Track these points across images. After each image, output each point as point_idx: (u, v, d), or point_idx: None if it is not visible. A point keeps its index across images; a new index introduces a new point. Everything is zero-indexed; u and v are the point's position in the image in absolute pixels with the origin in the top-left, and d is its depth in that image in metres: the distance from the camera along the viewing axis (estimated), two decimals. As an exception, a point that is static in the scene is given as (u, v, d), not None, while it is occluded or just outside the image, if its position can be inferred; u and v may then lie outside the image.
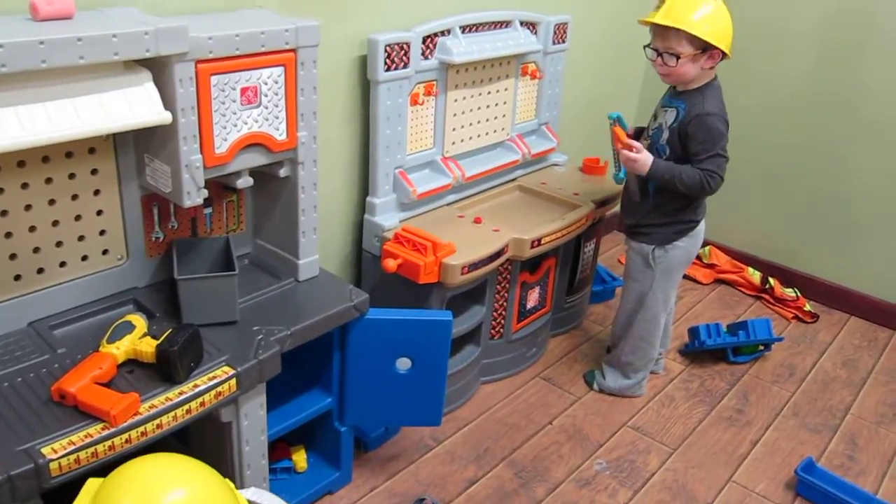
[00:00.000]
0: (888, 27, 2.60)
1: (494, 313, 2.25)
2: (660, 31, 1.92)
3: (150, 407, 1.28)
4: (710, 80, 1.98)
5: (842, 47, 2.72)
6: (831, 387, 2.50)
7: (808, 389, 2.48)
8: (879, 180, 2.74)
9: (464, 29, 2.12)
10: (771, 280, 2.98)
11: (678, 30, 1.88)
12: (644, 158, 1.99)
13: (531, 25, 2.36)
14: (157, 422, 1.28)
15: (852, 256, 2.90)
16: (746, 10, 2.82)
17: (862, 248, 2.87)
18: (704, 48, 1.90)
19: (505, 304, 2.27)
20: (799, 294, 2.94)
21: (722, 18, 1.91)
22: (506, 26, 2.28)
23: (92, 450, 1.20)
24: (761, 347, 2.60)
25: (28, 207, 1.41)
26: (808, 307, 2.90)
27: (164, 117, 1.32)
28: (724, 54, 1.92)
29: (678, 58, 1.91)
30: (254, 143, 1.50)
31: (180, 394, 1.32)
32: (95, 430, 1.22)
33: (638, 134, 2.14)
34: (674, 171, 1.97)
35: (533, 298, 2.37)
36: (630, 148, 2.00)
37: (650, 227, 2.12)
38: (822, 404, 2.41)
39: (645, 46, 1.99)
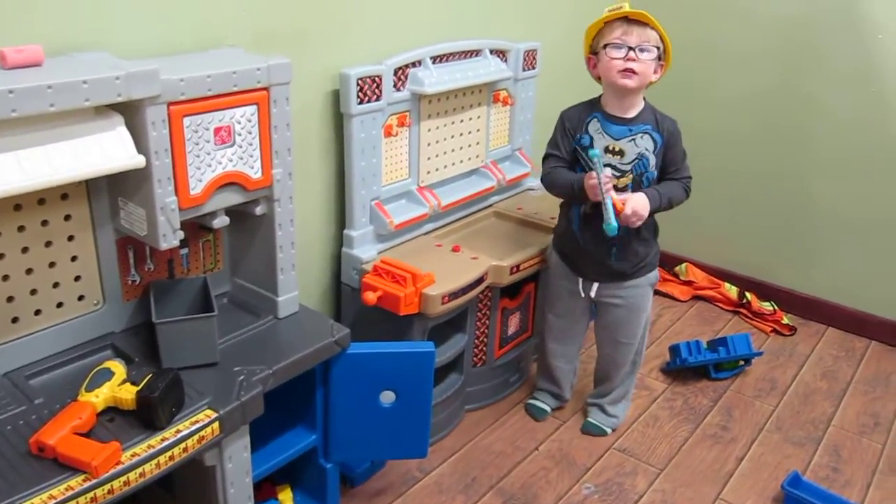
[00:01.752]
0: (836, 49, 2.65)
1: (476, 340, 2.25)
2: (635, 26, 1.87)
3: (132, 455, 1.26)
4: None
5: (796, 68, 2.77)
6: (812, 399, 2.52)
7: (789, 403, 2.49)
8: (847, 194, 2.79)
9: (434, 59, 2.14)
10: (748, 294, 3.01)
11: (653, 27, 1.87)
12: (642, 205, 1.87)
13: (501, 53, 2.38)
14: (139, 470, 1.26)
15: (826, 268, 2.94)
16: (706, 33, 2.88)
17: (835, 260, 2.91)
18: (659, 56, 1.91)
19: (486, 330, 2.26)
20: (776, 307, 2.97)
21: None
22: (476, 55, 2.30)
23: (74, 503, 1.18)
24: (742, 363, 2.62)
25: (1, 256, 1.39)
26: (785, 320, 2.93)
27: (138, 161, 1.31)
28: (663, 73, 1.94)
29: (657, 50, 1.88)
30: (229, 183, 1.49)
31: (162, 440, 1.30)
32: (76, 483, 1.19)
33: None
34: (664, 198, 1.93)
35: (514, 324, 2.37)
36: (621, 209, 1.84)
37: (651, 254, 2.08)
38: (804, 417, 2.42)
39: (605, 45, 1.90)
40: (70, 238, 1.47)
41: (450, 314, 2.05)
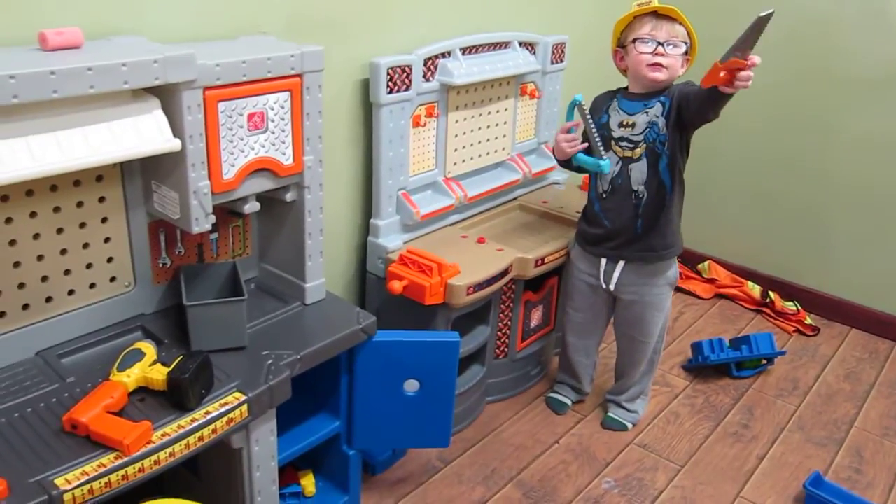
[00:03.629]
0: (864, 43, 2.63)
1: (499, 332, 2.25)
2: (665, 20, 1.88)
3: (163, 435, 1.28)
4: None
5: (823, 59, 2.75)
6: (835, 400, 2.50)
7: (812, 403, 2.48)
8: (873, 194, 2.76)
9: (464, 51, 2.14)
10: (771, 294, 2.99)
11: (681, 23, 1.88)
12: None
13: (529, 46, 2.38)
14: (169, 450, 1.27)
15: (850, 269, 2.91)
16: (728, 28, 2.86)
17: (859, 261, 2.88)
18: (687, 52, 1.92)
19: (509, 323, 2.27)
20: (799, 307, 2.95)
21: None
22: (505, 47, 2.30)
23: (105, 480, 1.19)
24: (764, 362, 2.61)
25: (36, 236, 1.41)
26: (808, 320, 2.91)
27: (174, 145, 1.33)
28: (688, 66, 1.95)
29: (686, 46, 1.89)
30: (261, 169, 1.51)
31: (192, 421, 1.32)
32: (108, 460, 1.21)
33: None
34: None
35: (536, 317, 2.37)
36: (744, 65, 1.61)
37: (672, 237, 2.03)
38: (826, 417, 2.41)
39: (634, 40, 1.90)
40: (104, 220, 1.49)
41: (474, 305, 2.05)
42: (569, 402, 2.36)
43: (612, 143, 1.98)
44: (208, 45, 1.49)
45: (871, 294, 2.89)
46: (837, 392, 2.55)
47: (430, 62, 2.06)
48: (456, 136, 2.23)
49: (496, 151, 2.40)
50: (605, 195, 2.03)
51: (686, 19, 1.89)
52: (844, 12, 2.67)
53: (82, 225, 1.46)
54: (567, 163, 2.07)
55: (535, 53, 2.39)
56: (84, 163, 1.23)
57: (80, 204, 1.45)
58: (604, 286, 2.12)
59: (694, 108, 1.85)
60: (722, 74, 1.64)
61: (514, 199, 2.51)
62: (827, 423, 2.38)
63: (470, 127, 2.27)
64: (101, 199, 1.47)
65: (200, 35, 1.61)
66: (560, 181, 2.65)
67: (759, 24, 1.52)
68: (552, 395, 2.37)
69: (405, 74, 1.97)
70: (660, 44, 1.88)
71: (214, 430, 1.34)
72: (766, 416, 2.40)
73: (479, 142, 2.32)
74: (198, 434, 1.32)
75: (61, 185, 1.41)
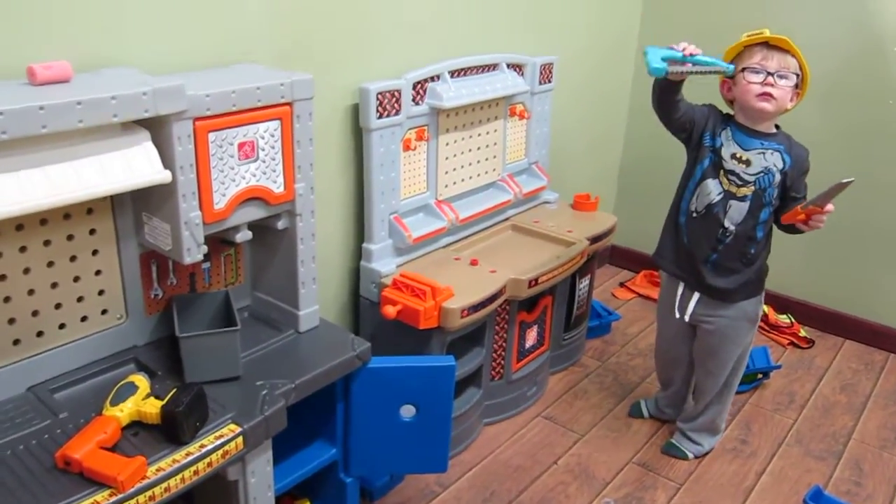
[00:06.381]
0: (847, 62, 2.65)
1: (494, 354, 2.25)
2: (775, 52, 1.84)
3: (158, 470, 1.26)
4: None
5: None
6: (832, 412, 2.50)
7: (809, 416, 2.48)
8: (864, 206, 2.78)
9: (452, 74, 2.15)
10: (765, 307, 2.99)
11: (793, 55, 1.85)
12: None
13: (517, 67, 2.39)
14: (164, 485, 1.26)
15: (843, 281, 2.92)
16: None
17: (852, 273, 2.89)
18: (797, 84, 1.88)
19: (504, 344, 2.26)
20: (793, 320, 2.96)
21: None
22: (493, 69, 2.31)
23: (100, 517, 1.18)
24: (760, 376, 2.61)
25: (27, 271, 1.39)
26: (802, 333, 2.92)
27: (164, 176, 1.32)
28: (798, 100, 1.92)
29: (797, 78, 1.85)
30: (252, 198, 1.50)
31: (187, 455, 1.30)
32: (103, 497, 1.19)
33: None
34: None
35: (531, 337, 2.37)
36: (821, 211, 1.80)
37: (756, 277, 2.02)
38: (824, 430, 2.41)
39: (744, 69, 1.87)
40: (95, 252, 1.48)
41: (468, 328, 2.04)
42: (645, 414, 2.42)
43: (721, 172, 1.94)
44: (198, 75, 1.49)
45: (864, 305, 2.90)
46: (834, 404, 2.54)
47: (419, 86, 2.07)
48: (446, 158, 2.23)
49: (487, 172, 2.40)
50: (694, 214, 1.99)
51: (798, 51, 1.85)
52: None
53: (73, 258, 1.45)
54: (670, 87, 1.87)
55: (523, 74, 2.41)
56: (74, 197, 1.23)
57: (70, 237, 1.44)
58: (677, 315, 2.11)
59: (778, 212, 1.95)
60: (801, 217, 1.85)
61: (506, 219, 2.52)
62: (825, 436, 2.38)
63: (460, 149, 2.27)
64: (92, 232, 1.47)
65: (190, 64, 1.61)
66: (551, 200, 2.66)
67: (840, 187, 1.72)
68: (639, 400, 2.45)
69: (394, 99, 1.98)
70: (770, 74, 1.84)
71: (210, 464, 1.33)
72: (764, 430, 2.39)
73: (470, 163, 2.33)
74: (193, 468, 1.30)
75: (51, 219, 1.40)
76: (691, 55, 1.79)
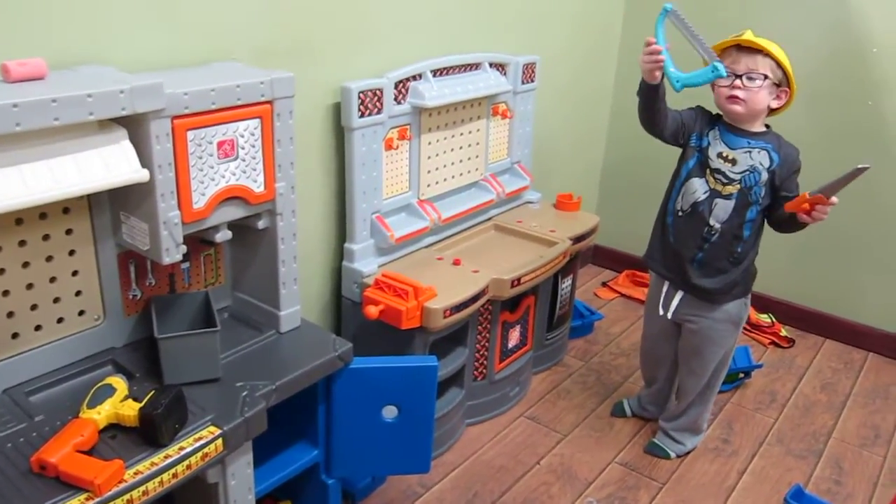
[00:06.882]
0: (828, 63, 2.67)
1: (477, 354, 2.24)
2: (744, 54, 1.86)
3: (136, 473, 1.24)
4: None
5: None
6: (812, 411, 2.52)
7: (790, 415, 2.49)
8: (842, 207, 2.79)
9: (435, 73, 2.14)
10: (746, 307, 3.01)
11: (765, 54, 1.85)
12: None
13: (500, 66, 2.38)
14: (142, 488, 1.24)
15: (823, 280, 2.95)
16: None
17: (832, 273, 2.91)
18: (779, 83, 1.88)
19: (487, 344, 2.25)
20: (774, 320, 2.97)
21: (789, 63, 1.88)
22: (475, 68, 2.30)
23: (76, 522, 1.16)
24: (742, 375, 2.62)
25: (1, 271, 1.37)
26: (783, 332, 2.93)
27: (142, 175, 1.30)
28: (788, 99, 1.90)
29: (764, 79, 1.85)
30: (232, 197, 1.48)
31: (166, 457, 1.28)
32: (79, 501, 1.17)
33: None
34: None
35: (514, 337, 2.36)
36: (826, 202, 1.77)
37: (742, 278, 2.02)
38: (805, 429, 2.42)
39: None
40: (71, 253, 1.46)
41: (451, 328, 2.04)
42: (628, 412, 2.42)
43: (708, 171, 1.95)
44: (177, 73, 1.47)
45: (844, 305, 2.92)
46: (815, 403, 2.56)
47: (402, 85, 2.06)
48: (429, 157, 2.22)
49: (469, 172, 2.40)
50: (680, 213, 2.01)
51: (772, 50, 1.85)
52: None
53: (49, 258, 1.43)
54: (653, 93, 1.89)
55: (505, 74, 2.40)
56: (50, 196, 1.21)
57: (46, 237, 1.41)
58: (661, 312, 2.12)
59: (773, 211, 1.94)
60: (805, 206, 1.79)
61: (489, 219, 2.51)
62: (806, 435, 2.39)
63: (443, 148, 2.26)
64: (69, 232, 1.44)
65: (169, 62, 1.59)
66: (534, 200, 2.66)
67: (855, 174, 1.66)
68: (622, 399, 2.46)
69: (376, 98, 1.97)
70: (738, 76, 1.86)
71: (189, 466, 1.31)
72: (746, 430, 2.40)
73: (453, 163, 2.32)
74: (172, 471, 1.28)
75: (27, 219, 1.37)
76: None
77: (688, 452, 2.27)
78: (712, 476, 2.19)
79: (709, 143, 1.95)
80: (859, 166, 1.65)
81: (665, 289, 2.10)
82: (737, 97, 1.87)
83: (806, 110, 2.74)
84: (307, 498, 1.85)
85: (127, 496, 1.22)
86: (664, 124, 1.96)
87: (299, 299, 1.72)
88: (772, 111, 1.93)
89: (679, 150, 2.03)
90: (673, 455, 2.24)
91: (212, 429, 1.36)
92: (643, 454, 2.26)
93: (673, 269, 2.06)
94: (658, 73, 1.84)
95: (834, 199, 1.77)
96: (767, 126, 1.96)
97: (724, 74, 1.81)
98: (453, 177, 2.34)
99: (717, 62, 1.81)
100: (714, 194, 1.94)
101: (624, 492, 2.11)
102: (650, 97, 1.90)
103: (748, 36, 1.86)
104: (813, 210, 1.80)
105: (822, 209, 1.79)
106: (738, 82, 1.86)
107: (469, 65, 2.28)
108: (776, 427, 2.42)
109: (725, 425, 2.42)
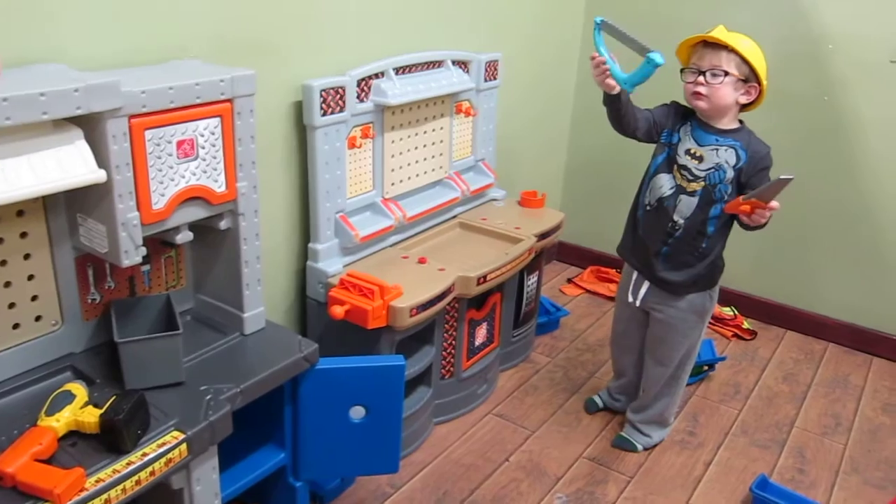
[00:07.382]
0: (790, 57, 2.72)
1: (444, 352, 2.23)
2: (708, 50, 1.87)
3: (97, 481, 1.21)
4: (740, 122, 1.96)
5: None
6: (775, 402, 2.56)
7: (753, 406, 2.53)
8: (802, 200, 2.84)
9: (398, 71, 2.13)
10: (709, 300, 3.05)
11: (730, 50, 1.84)
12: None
13: (463, 64, 2.38)
14: (104, 497, 1.21)
15: (783, 273, 2.99)
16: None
17: (792, 265, 2.96)
18: (746, 79, 1.88)
19: (454, 342, 2.25)
20: (736, 312, 3.02)
21: (762, 57, 1.88)
22: (438, 66, 2.30)
23: (36, 533, 1.13)
24: (706, 368, 2.65)
25: (-47, 277, 1.33)
26: (746, 325, 2.98)
27: (99, 176, 1.27)
28: (758, 95, 1.90)
29: (725, 76, 1.85)
30: (192, 197, 1.46)
31: (128, 464, 1.26)
32: (38, 512, 1.14)
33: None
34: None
35: (481, 335, 2.36)
36: (765, 206, 1.79)
37: (707, 271, 2.03)
38: (768, 420, 2.46)
39: (682, 70, 1.94)
40: (26, 256, 1.42)
41: (418, 327, 2.03)
42: (599, 404, 2.44)
43: (675, 167, 1.96)
44: (134, 72, 1.44)
45: (804, 297, 2.98)
46: (777, 394, 2.60)
47: (364, 83, 2.05)
48: (393, 156, 2.21)
49: (434, 170, 2.39)
50: (648, 207, 2.03)
51: (738, 46, 1.84)
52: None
53: (3, 262, 1.39)
54: (615, 101, 1.92)
55: (468, 71, 2.40)
56: (2, 198, 1.17)
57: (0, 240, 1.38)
58: (630, 299, 2.14)
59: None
60: (744, 208, 1.83)
61: (454, 217, 2.51)
62: (769, 425, 2.43)
63: (406, 147, 2.25)
64: (23, 235, 1.40)
65: (126, 61, 1.56)
66: (498, 198, 2.66)
67: (781, 184, 1.72)
68: (592, 396, 2.46)
69: (339, 96, 1.95)
70: (702, 73, 1.87)
71: (153, 473, 1.29)
72: (711, 421, 2.43)
73: (417, 161, 2.31)
74: (135, 478, 1.26)
75: (-21, 222, 1.34)
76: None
77: (655, 445, 2.28)
78: (679, 468, 2.21)
79: (679, 140, 1.97)
80: (782, 177, 1.71)
81: (634, 277, 2.14)
82: (700, 93, 1.89)
83: (766, 107, 2.79)
84: (275, 501, 1.83)
85: (88, 505, 1.19)
86: (635, 126, 1.99)
87: (263, 300, 1.70)
88: (744, 107, 1.94)
89: (650, 147, 2.05)
90: (640, 448, 2.26)
91: (175, 434, 1.33)
92: (611, 448, 2.27)
93: (641, 261, 2.09)
94: (611, 82, 1.87)
95: (774, 203, 1.79)
96: (741, 122, 1.98)
97: (660, 62, 1.75)
98: (417, 175, 2.33)
99: (651, 53, 1.76)
100: (679, 190, 1.96)
101: (592, 486, 2.12)
102: (614, 106, 1.95)
103: (715, 32, 1.87)
104: (753, 213, 1.83)
105: (760, 213, 1.82)
106: (700, 78, 1.88)
107: (432, 62, 2.27)
108: (740, 418, 2.46)
109: (691, 418, 2.44)
